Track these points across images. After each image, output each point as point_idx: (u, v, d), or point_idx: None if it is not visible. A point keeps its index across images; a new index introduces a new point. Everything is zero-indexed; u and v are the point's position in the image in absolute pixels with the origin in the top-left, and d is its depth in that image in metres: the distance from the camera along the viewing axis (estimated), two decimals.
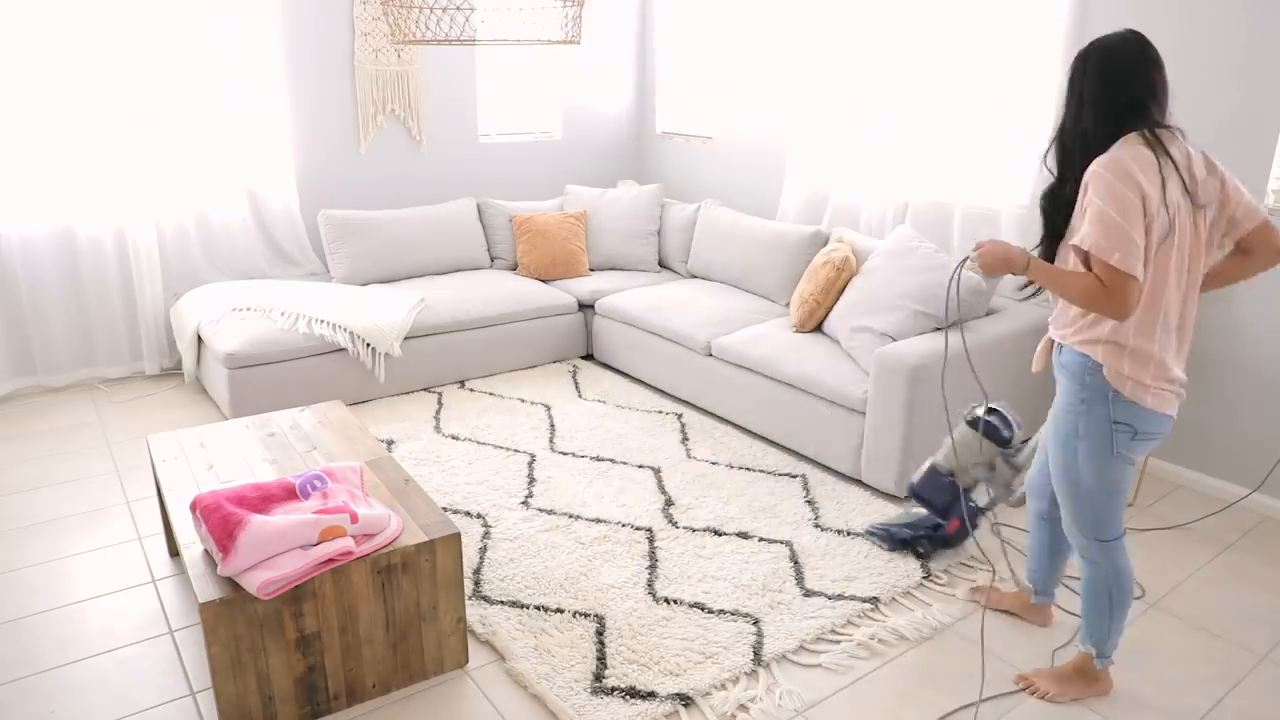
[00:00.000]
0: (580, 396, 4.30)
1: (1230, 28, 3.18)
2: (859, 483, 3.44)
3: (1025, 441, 2.68)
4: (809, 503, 3.27)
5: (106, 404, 4.19)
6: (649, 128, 5.96)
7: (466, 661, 2.40)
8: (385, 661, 2.26)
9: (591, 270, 5.12)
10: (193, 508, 2.12)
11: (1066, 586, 2.77)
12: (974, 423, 2.70)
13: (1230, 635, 2.61)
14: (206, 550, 2.13)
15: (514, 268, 5.13)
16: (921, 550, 2.91)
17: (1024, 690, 2.34)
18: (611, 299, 4.63)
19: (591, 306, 4.79)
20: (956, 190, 4.09)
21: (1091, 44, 2.01)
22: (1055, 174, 2.09)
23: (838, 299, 3.86)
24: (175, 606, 2.65)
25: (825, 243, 4.31)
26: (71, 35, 4.00)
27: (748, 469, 3.54)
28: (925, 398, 3.19)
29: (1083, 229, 1.92)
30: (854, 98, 4.44)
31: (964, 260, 2.22)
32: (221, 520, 2.02)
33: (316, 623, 2.12)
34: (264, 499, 2.17)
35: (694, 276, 5.02)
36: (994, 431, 2.67)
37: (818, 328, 3.93)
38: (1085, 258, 1.95)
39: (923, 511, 2.93)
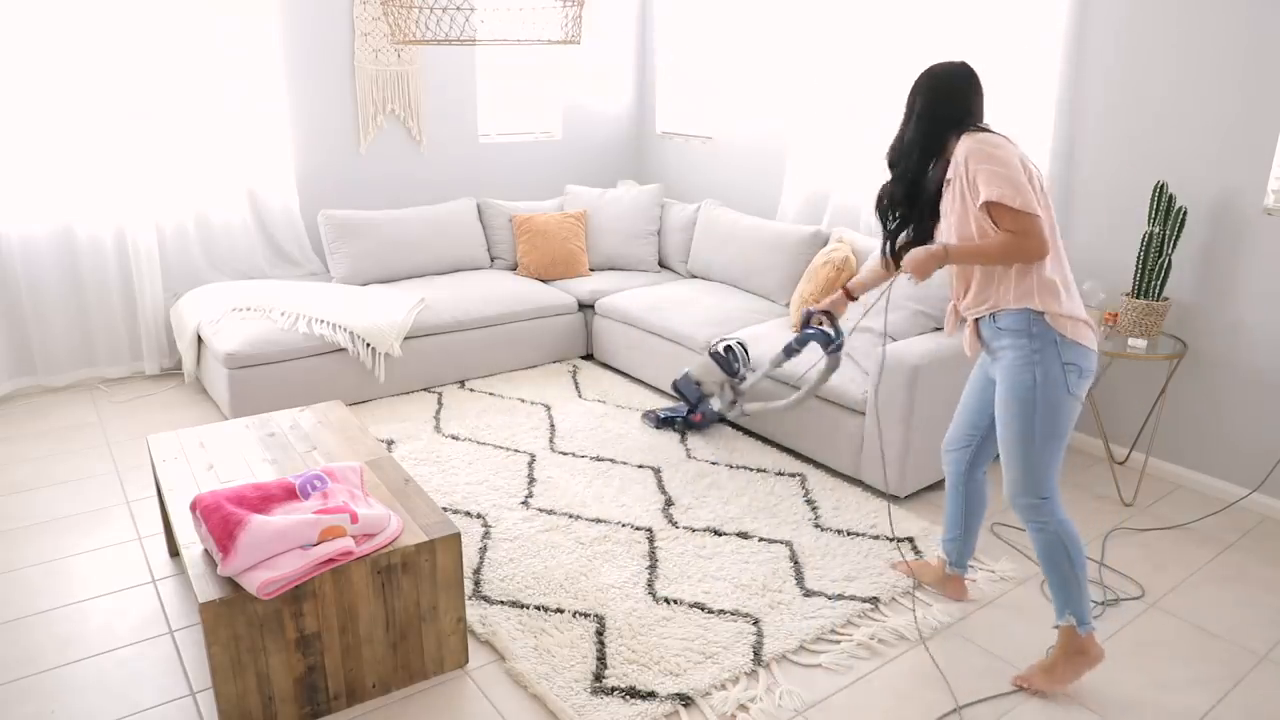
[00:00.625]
0: (580, 396, 4.30)
1: (1230, 28, 3.18)
2: (859, 483, 3.44)
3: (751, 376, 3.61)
4: (809, 503, 3.27)
5: (106, 404, 4.19)
6: (649, 128, 5.96)
7: (466, 661, 2.40)
8: (385, 661, 2.26)
9: (591, 270, 5.12)
10: (193, 508, 2.12)
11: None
12: (713, 354, 3.62)
13: (1230, 635, 2.61)
14: (206, 550, 2.13)
15: (514, 268, 5.13)
16: (676, 428, 3.86)
17: (1023, 690, 2.34)
18: (611, 299, 4.63)
19: (591, 306, 4.79)
20: None
21: (932, 70, 2.35)
22: (892, 174, 2.41)
23: None
24: (175, 606, 2.65)
25: (825, 243, 4.31)
26: (71, 35, 4.00)
27: (748, 469, 3.54)
28: (925, 397, 3.19)
29: (982, 190, 2.14)
30: (854, 98, 4.44)
31: (891, 282, 2.62)
32: (221, 520, 2.02)
33: (316, 623, 2.13)
34: (264, 499, 2.17)
35: (694, 276, 5.02)
36: (724, 363, 3.60)
37: None
38: (992, 215, 2.17)
39: (680, 404, 3.92)
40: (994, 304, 2.26)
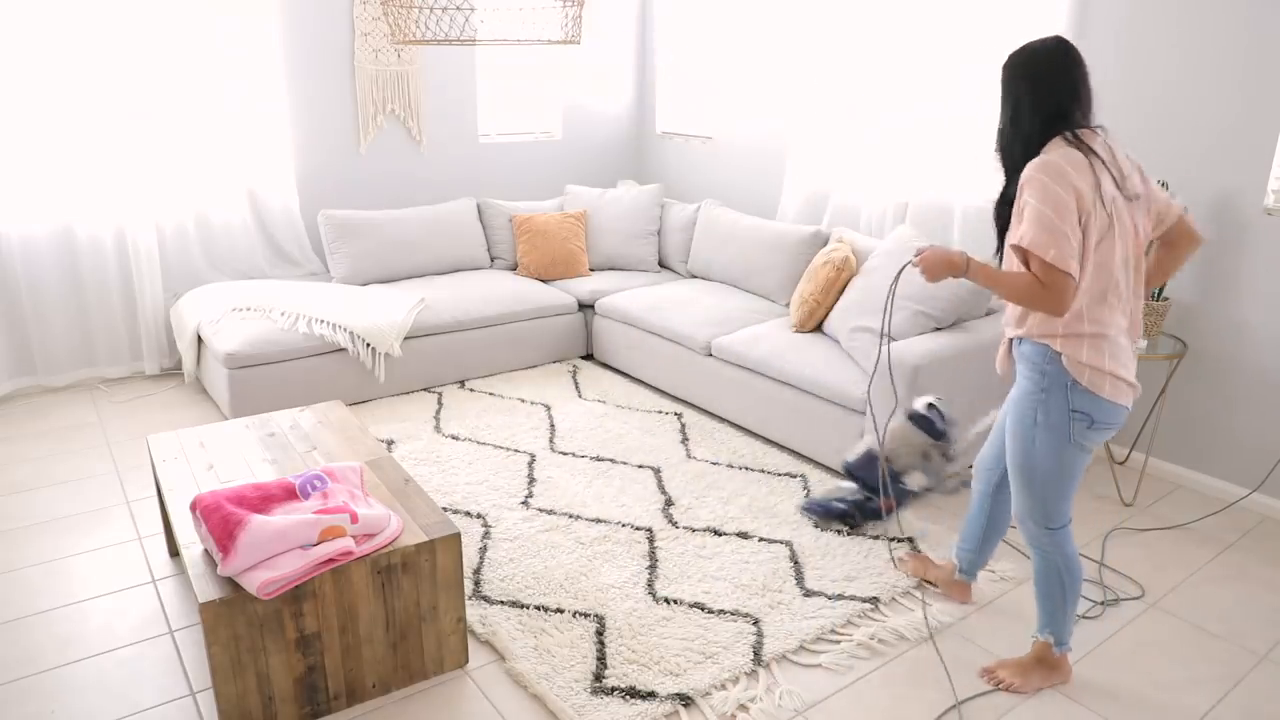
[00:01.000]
0: (580, 396, 4.30)
1: (1230, 28, 3.18)
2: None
3: (958, 435, 3.01)
4: None
5: (106, 404, 4.19)
6: (649, 128, 5.96)
7: (466, 661, 2.40)
8: (385, 661, 2.26)
9: (591, 270, 5.12)
10: (193, 508, 2.12)
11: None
12: (912, 416, 2.98)
13: (1230, 635, 2.61)
14: (206, 550, 2.13)
15: (514, 268, 5.13)
16: (852, 522, 3.07)
17: (989, 682, 2.36)
18: (611, 299, 4.63)
19: (591, 306, 4.79)
20: (956, 190, 4.09)
21: (1020, 52, 2.11)
22: (1004, 176, 2.18)
23: (838, 299, 3.86)
24: (175, 606, 2.65)
25: (825, 243, 4.31)
26: (71, 35, 4.00)
27: (748, 469, 3.54)
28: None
29: (1020, 229, 2.00)
30: (854, 98, 4.44)
31: (904, 266, 2.37)
32: (221, 520, 2.02)
33: (316, 623, 2.12)
34: (264, 499, 2.17)
35: (694, 276, 5.02)
36: (928, 425, 2.96)
37: (818, 328, 3.93)
38: (1024, 257, 2.01)
39: (850, 486, 3.12)
40: (1025, 330, 2.14)
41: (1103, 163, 2.02)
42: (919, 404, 2.98)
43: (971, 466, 2.69)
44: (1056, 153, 2.01)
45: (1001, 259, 2.20)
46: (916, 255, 2.23)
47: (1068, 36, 3.54)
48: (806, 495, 3.30)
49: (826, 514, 3.10)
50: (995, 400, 3.16)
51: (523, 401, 4.21)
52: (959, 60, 3.96)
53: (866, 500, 3.05)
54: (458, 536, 2.28)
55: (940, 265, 2.18)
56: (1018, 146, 2.10)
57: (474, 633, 2.51)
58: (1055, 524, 2.22)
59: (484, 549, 2.92)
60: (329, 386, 4.01)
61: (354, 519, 2.13)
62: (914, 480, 3.08)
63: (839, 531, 3.04)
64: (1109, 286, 2.04)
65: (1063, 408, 2.09)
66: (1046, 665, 2.35)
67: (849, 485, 3.12)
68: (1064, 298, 1.96)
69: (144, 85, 4.22)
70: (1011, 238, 2.04)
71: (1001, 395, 3.35)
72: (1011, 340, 2.25)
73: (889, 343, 2.86)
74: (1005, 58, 2.14)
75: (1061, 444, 2.12)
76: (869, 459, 3.02)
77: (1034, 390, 2.14)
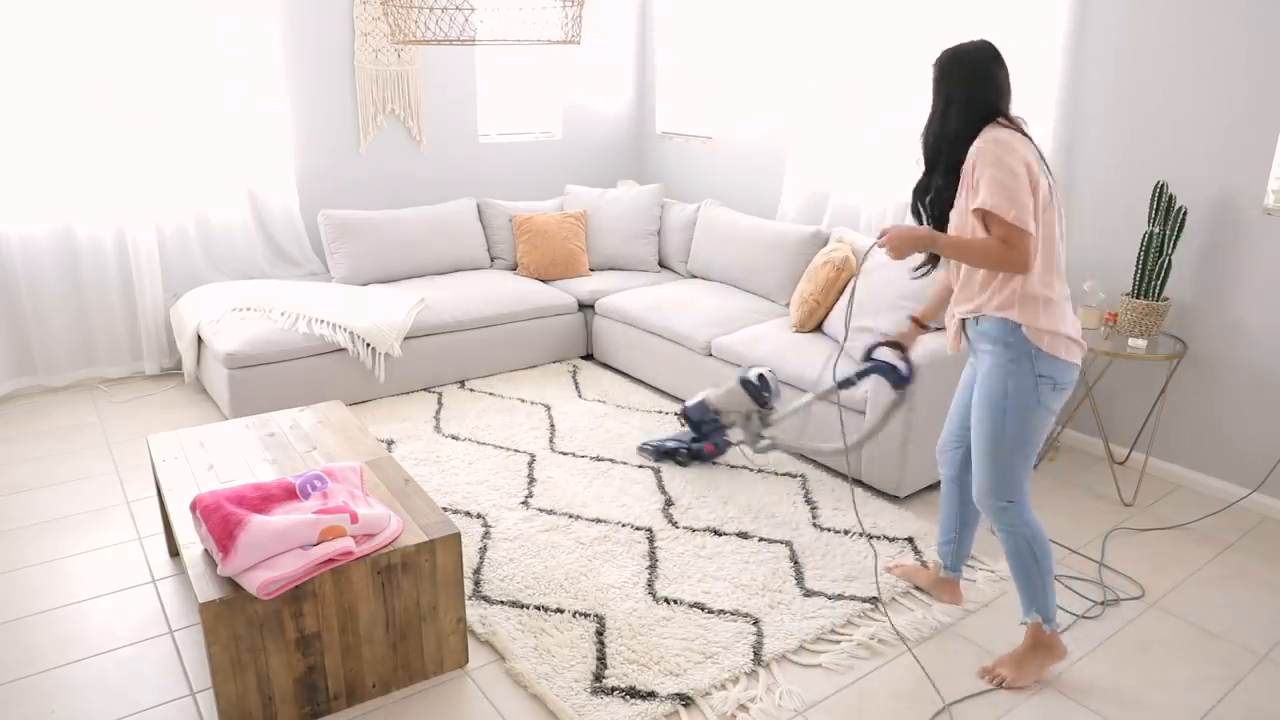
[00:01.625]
0: (580, 396, 4.30)
1: (1230, 28, 3.18)
2: (859, 482, 3.44)
3: (780, 406, 3.37)
4: (809, 503, 3.27)
5: (106, 404, 4.19)
6: (649, 128, 5.96)
7: (466, 661, 2.40)
8: (385, 661, 2.26)
9: (591, 270, 5.12)
10: (193, 508, 2.12)
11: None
12: (743, 382, 3.33)
13: (1230, 635, 2.61)
14: (206, 550, 2.13)
15: (514, 268, 5.13)
16: (681, 460, 3.53)
17: (989, 682, 2.37)
18: (611, 299, 4.63)
19: (591, 306, 4.79)
20: None
21: (952, 51, 2.27)
22: (925, 166, 2.32)
23: (838, 299, 3.86)
24: (175, 606, 2.65)
25: (825, 243, 4.31)
26: (72, 35, 4.00)
27: (748, 469, 3.54)
28: (925, 398, 3.19)
29: (980, 194, 2.11)
30: (854, 98, 4.44)
31: (870, 247, 2.44)
32: (221, 520, 2.02)
33: (316, 623, 2.13)
34: (264, 499, 2.17)
35: (694, 276, 5.02)
36: (755, 391, 3.31)
37: (818, 328, 3.93)
38: (984, 220, 2.13)
39: (684, 432, 3.63)
40: (977, 307, 2.24)
41: (1033, 145, 2.19)
42: (752, 373, 3.34)
43: (779, 438, 3.24)
44: (999, 132, 2.15)
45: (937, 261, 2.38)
46: (881, 236, 2.28)
47: (1068, 37, 3.58)
48: (649, 444, 3.65)
49: (657, 453, 3.58)
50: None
51: (523, 401, 4.21)
52: None
53: (694, 441, 3.53)
54: (458, 536, 2.28)
55: (906, 242, 2.24)
56: (944, 142, 2.25)
57: (474, 633, 2.51)
58: (1015, 495, 2.29)
59: (484, 549, 2.92)
60: (329, 386, 4.01)
61: (354, 519, 2.13)
62: (734, 435, 3.51)
63: (679, 463, 3.50)
64: (1051, 253, 2.18)
65: (1030, 375, 2.19)
66: (1042, 648, 2.37)
67: (683, 431, 3.64)
68: (1028, 255, 2.09)
69: (144, 85, 4.23)
70: (971, 204, 2.15)
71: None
72: (964, 321, 2.33)
73: (848, 331, 2.87)
74: (936, 55, 2.30)
75: (1031, 409, 2.22)
76: (701, 405, 3.47)
77: (1001, 364, 2.22)
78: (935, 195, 2.31)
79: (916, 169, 2.37)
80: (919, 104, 4.14)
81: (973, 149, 2.17)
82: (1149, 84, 3.42)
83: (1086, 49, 3.56)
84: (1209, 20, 3.23)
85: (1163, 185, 3.28)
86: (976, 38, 2.29)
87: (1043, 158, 2.20)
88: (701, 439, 3.52)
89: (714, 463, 3.56)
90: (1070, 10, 3.56)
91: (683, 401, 3.70)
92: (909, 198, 2.40)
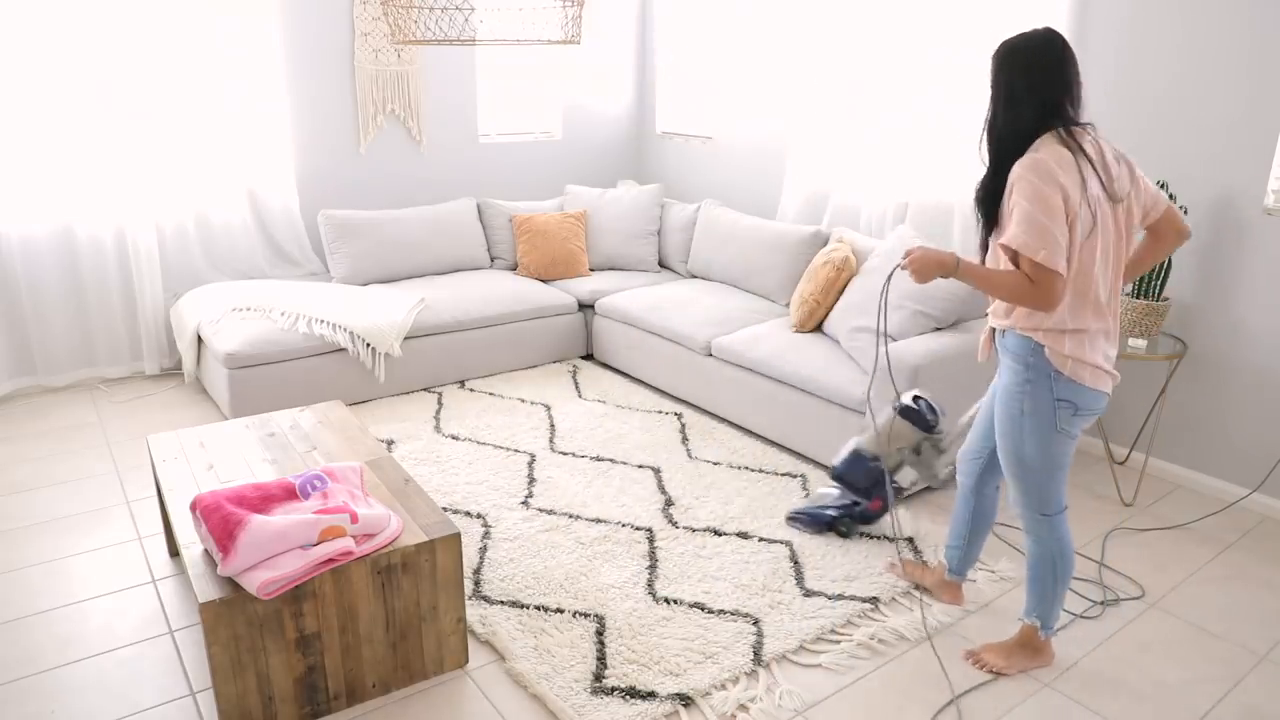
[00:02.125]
0: (580, 396, 4.30)
1: (1231, 28, 3.18)
2: None
3: (947, 425, 2.97)
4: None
5: (106, 404, 4.19)
6: (649, 128, 5.96)
7: (466, 661, 2.40)
8: (385, 661, 2.26)
9: (591, 270, 5.12)
10: (193, 508, 2.12)
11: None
12: (901, 411, 2.91)
13: (1230, 635, 2.61)
14: (206, 550, 2.13)
15: (514, 268, 5.13)
16: (844, 529, 3.03)
17: (973, 664, 2.40)
18: (611, 299, 4.63)
19: (591, 306, 4.79)
20: (956, 190, 4.08)
21: (1012, 42, 2.11)
22: (989, 166, 2.16)
23: (838, 299, 3.86)
24: (175, 606, 2.65)
25: (825, 243, 4.31)
26: (72, 35, 4.00)
27: (748, 469, 3.54)
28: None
29: (1010, 229, 2.02)
30: (854, 98, 4.44)
31: (894, 269, 2.33)
32: (221, 520, 2.02)
33: (316, 623, 2.12)
34: (264, 499, 2.17)
35: (694, 276, 5.02)
36: (918, 417, 2.90)
37: (818, 328, 3.93)
38: (1014, 256, 2.05)
39: (833, 492, 3.09)
40: (1010, 321, 2.19)
41: (1090, 163, 2.03)
42: (905, 398, 2.95)
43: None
44: (1045, 150, 2.03)
45: (982, 242, 2.23)
46: (905, 257, 2.23)
47: (1068, 36, 3.55)
48: (806, 496, 3.28)
49: (815, 523, 3.05)
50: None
51: (523, 401, 4.21)
52: (959, 60, 3.95)
53: (854, 505, 3.01)
54: (458, 536, 2.28)
55: (930, 266, 2.17)
56: (1009, 138, 2.10)
57: (474, 633, 2.51)
58: (1050, 510, 2.27)
59: (484, 549, 2.92)
60: (329, 386, 4.01)
61: (354, 519, 2.13)
62: (904, 476, 3.10)
63: (841, 534, 3.03)
64: (1087, 287, 2.08)
65: (1048, 397, 2.14)
66: (1031, 648, 2.40)
67: (833, 491, 3.09)
68: (1054, 295, 2.00)
69: (144, 85, 4.22)
70: (1001, 238, 2.07)
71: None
72: (994, 330, 2.30)
73: (887, 343, 2.86)
74: (996, 47, 2.14)
75: (1048, 432, 2.17)
76: (855, 459, 2.97)
77: (1019, 382, 2.19)
78: (994, 196, 2.15)
79: (981, 167, 2.21)
80: (919, 104, 4.17)
81: (1013, 172, 2.04)
82: (1149, 84, 3.42)
83: (1087, 49, 3.56)
84: (1209, 21, 3.23)
85: (1163, 185, 3.28)
86: (1040, 27, 2.11)
87: (1100, 170, 2.04)
88: (866, 498, 3.00)
89: (876, 521, 3.05)
90: (1070, 11, 3.56)
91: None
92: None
